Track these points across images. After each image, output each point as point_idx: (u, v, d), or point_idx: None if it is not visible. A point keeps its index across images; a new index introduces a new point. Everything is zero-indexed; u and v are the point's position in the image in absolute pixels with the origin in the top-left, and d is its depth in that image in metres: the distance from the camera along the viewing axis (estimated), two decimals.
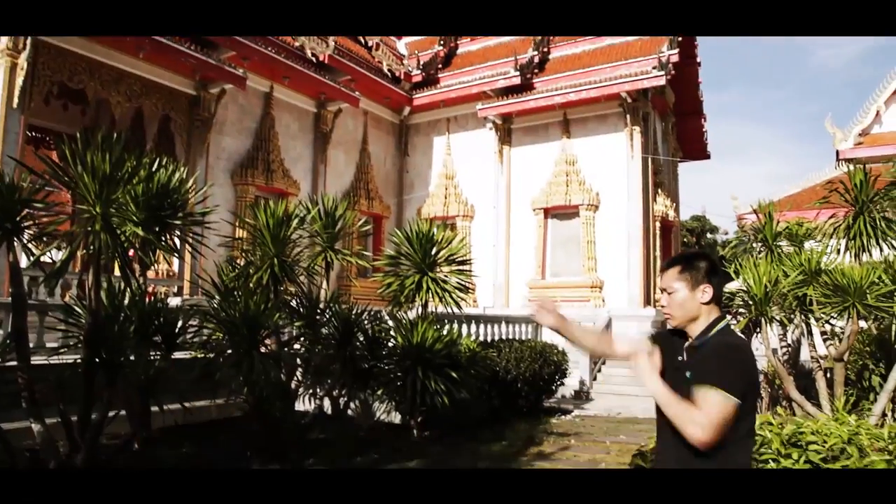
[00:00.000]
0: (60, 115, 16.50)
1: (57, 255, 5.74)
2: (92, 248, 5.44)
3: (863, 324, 7.90)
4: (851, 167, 7.37)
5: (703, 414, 2.08)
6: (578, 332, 2.68)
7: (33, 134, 16.28)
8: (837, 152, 24.54)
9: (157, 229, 6.52)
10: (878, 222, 7.13)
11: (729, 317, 2.55)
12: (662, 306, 2.43)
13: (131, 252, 7.13)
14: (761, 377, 9.52)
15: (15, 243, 5.43)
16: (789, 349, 8.76)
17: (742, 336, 2.40)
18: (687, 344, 2.37)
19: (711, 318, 2.34)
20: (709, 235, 43.15)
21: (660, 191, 20.29)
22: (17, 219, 5.25)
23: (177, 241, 7.47)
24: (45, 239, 5.56)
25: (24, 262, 5.99)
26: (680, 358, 2.37)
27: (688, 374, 2.28)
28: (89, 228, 5.29)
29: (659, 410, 2.34)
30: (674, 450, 2.24)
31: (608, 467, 6.86)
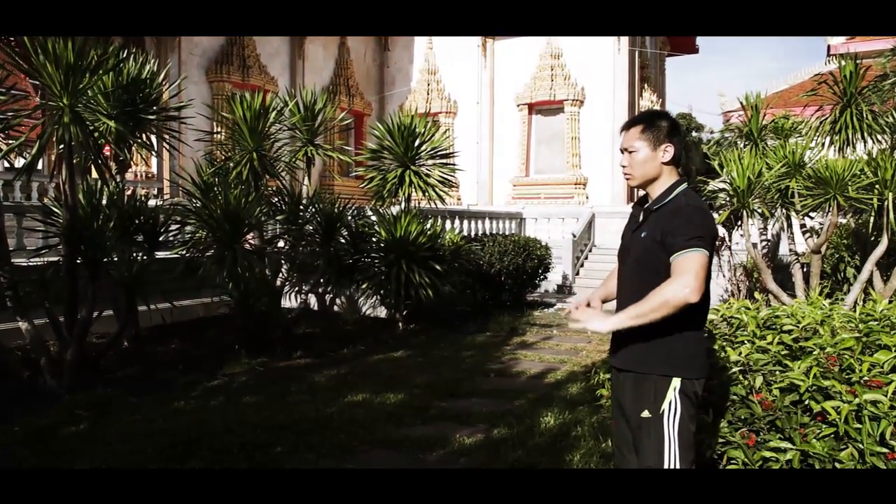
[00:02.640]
0: None
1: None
2: (63, 144, 5.28)
3: (842, 220, 7.98)
4: (843, 62, 7.17)
5: (690, 276, 2.09)
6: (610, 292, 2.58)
7: None
8: (829, 47, 23.90)
9: (130, 124, 6.32)
10: (864, 115, 7.04)
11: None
12: (623, 166, 2.41)
13: (106, 149, 6.95)
14: (740, 270, 9.72)
15: None
16: (769, 243, 8.89)
17: (699, 198, 2.37)
18: (645, 207, 2.39)
19: (672, 181, 2.34)
20: (693, 134, 42.73)
21: (646, 86, 19.91)
22: None
23: (153, 138, 7.27)
24: (8, 133, 5.34)
25: None
26: (639, 220, 2.40)
27: (643, 234, 2.32)
28: (56, 125, 5.10)
29: (620, 274, 2.45)
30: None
31: (588, 354, 7.09)
